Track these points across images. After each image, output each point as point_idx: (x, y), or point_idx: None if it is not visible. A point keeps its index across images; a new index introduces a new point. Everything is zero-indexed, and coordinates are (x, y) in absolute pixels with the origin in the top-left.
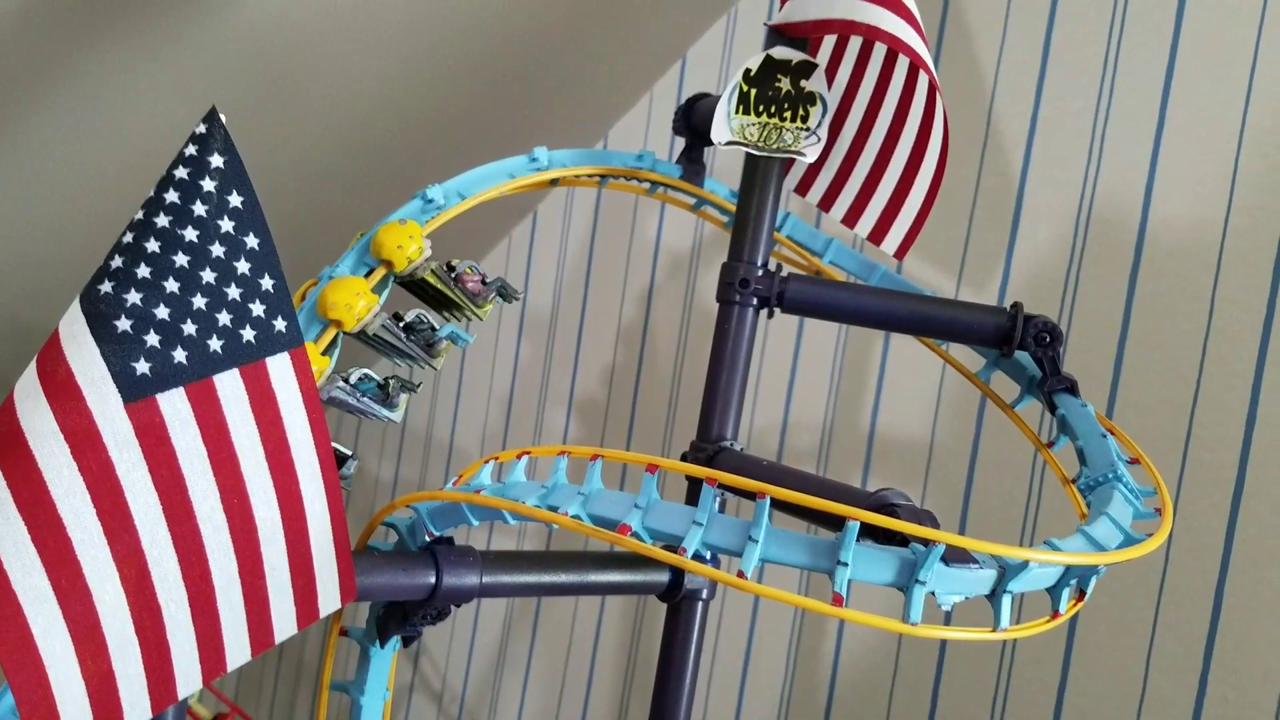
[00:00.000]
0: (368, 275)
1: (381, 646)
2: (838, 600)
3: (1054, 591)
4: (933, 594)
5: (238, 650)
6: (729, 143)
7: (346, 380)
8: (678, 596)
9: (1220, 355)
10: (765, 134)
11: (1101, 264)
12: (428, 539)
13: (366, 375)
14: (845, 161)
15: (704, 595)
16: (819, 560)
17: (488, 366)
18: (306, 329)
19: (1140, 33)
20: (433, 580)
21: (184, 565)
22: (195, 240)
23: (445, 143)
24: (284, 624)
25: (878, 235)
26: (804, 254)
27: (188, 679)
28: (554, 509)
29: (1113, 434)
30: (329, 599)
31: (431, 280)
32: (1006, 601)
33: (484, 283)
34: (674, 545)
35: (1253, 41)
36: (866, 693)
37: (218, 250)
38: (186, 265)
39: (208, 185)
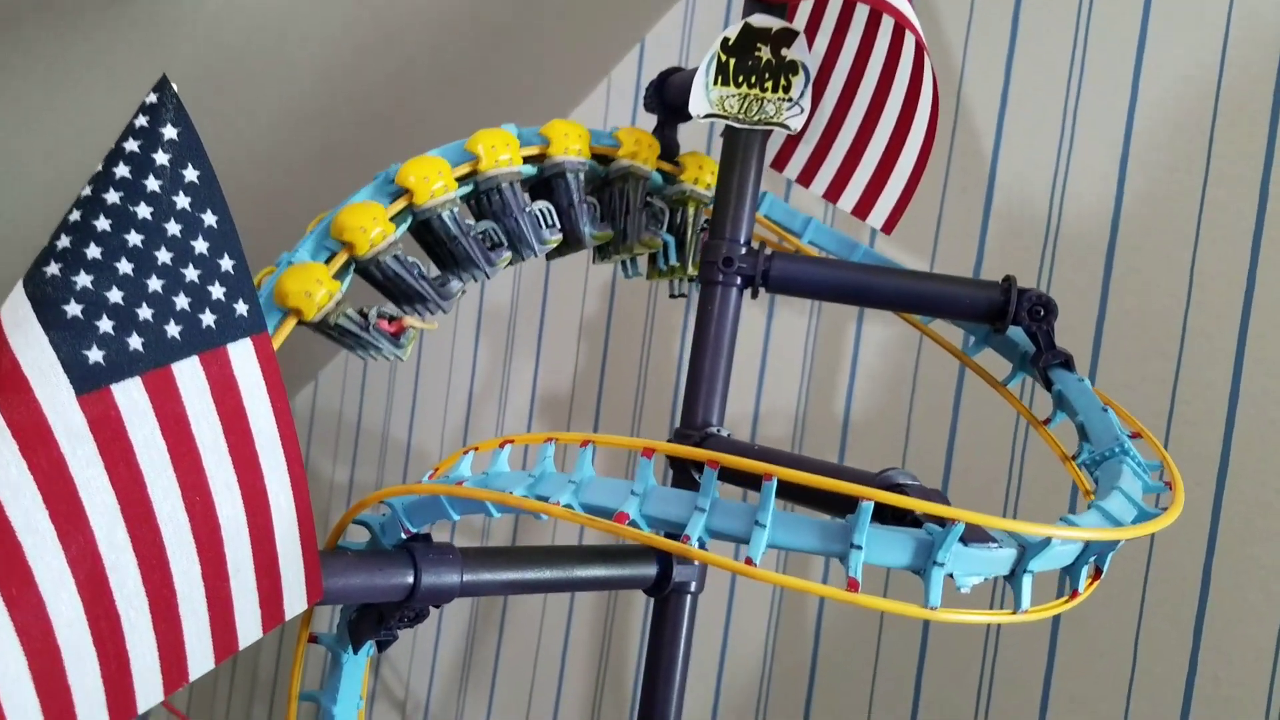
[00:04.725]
0: (328, 261)
1: (355, 652)
2: (853, 585)
3: (1072, 570)
4: (951, 576)
5: (201, 658)
6: (708, 115)
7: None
8: (665, 590)
9: (1201, 329)
10: (746, 105)
11: (1077, 241)
12: (404, 536)
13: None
14: (826, 134)
15: (692, 588)
16: (831, 544)
17: (445, 363)
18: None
19: (1111, 1)
20: (410, 580)
21: (144, 569)
22: (149, 218)
23: (399, 132)
24: (249, 628)
25: (863, 209)
26: (783, 234)
27: (148, 691)
28: (544, 499)
29: (1110, 408)
30: (295, 600)
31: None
32: (1027, 581)
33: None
34: (674, 534)
35: (1225, 7)
36: (848, 680)
37: (173, 228)
38: (140, 245)
39: (161, 159)
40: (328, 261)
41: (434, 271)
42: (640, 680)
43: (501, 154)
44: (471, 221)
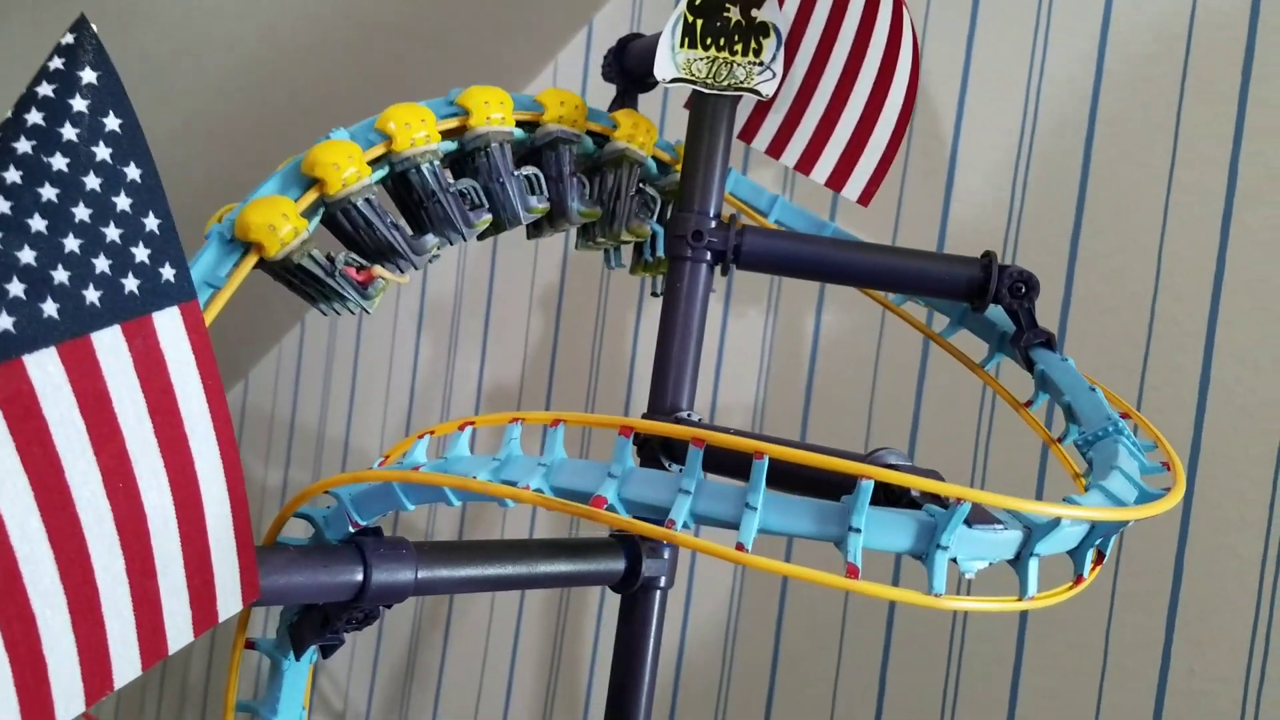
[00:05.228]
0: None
1: (296, 659)
2: (853, 572)
3: (1076, 554)
4: (954, 561)
5: (126, 664)
6: (674, 80)
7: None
8: (634, 586)
9: (1170, 315)
10: (714, 69)
11: (1042, 224)
12: (351, 530)
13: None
14: (797, 101)
15: (662, 584)
16: (827, 527)
17: (385, 359)
18: (225, 255)
19: None
20: (359, 577)
21: (61, 564)
22: (65, 170)
23: (339, 118)
24: (179, 630)
25: (837, 180)
26: (748, 211)
27: (69, 701)
28: (511, 484)
29: (1098, 388)
30: (229, 600)
31: None
32: (1033, 566)
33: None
34: (655, 519)
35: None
36: (811, 676)
37: (92, 182)
38: (55, 199)
39: (78, 105)
40: (297, 200)
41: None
42: (593, 682)
43: (494, 112)
44: (451, 179)
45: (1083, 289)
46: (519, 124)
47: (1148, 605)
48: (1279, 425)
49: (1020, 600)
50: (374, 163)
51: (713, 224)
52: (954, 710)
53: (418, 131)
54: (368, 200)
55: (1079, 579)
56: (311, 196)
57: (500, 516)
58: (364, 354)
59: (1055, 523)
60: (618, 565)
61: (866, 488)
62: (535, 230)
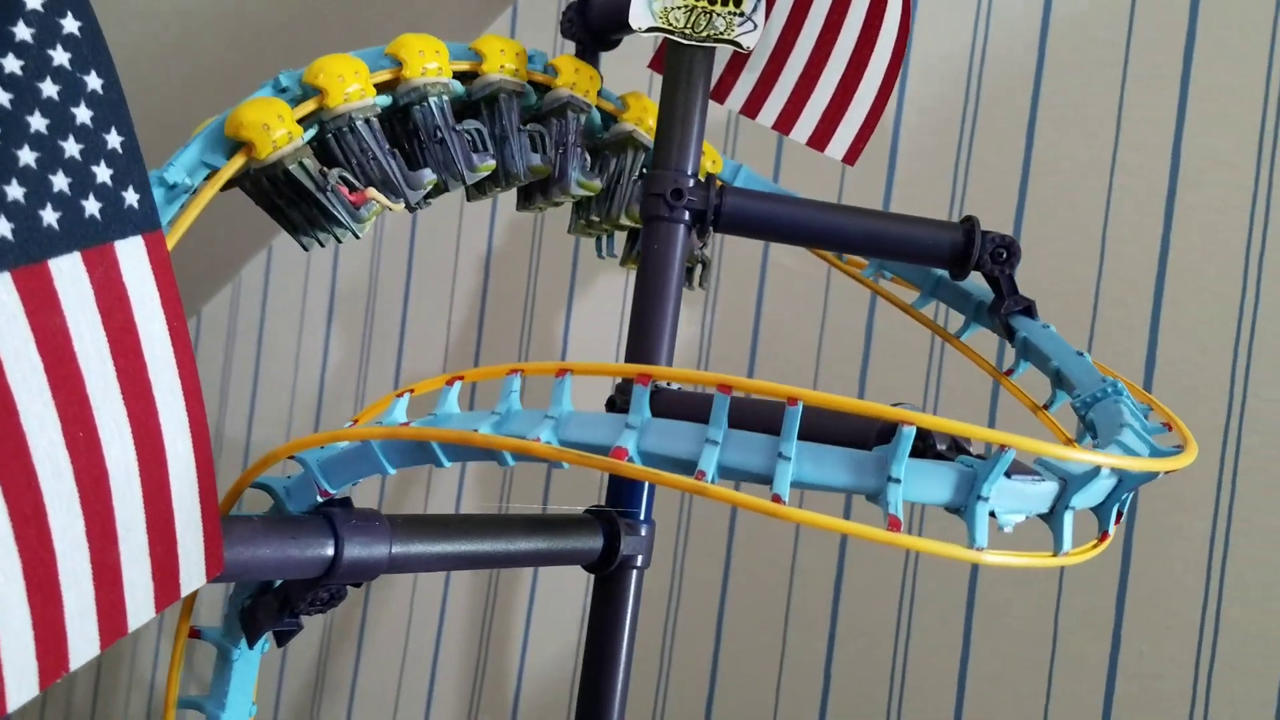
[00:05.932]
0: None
1: (250, 646)
2: (895, 524)
3: (1103, 509)
4: (993, 515)
5: (84, 641)
6: (650, 29)
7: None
8: (612, 565)
9: (1116, 297)
10: (693, 19)
11: (985, 210)
12: (319, 499)
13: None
14: (775, 56)
15: (639, 563)
16: (865, 479)
17: (291, 352)
18: (167, 201)
19: None
20: (331, 552)
21: (16, 523)
22: (19, 73)
23: (254, 88)
24: (139, 606)
25: (820, 140)
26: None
27: (22, 682)
28: (519, 438)
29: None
30: (193, 572)
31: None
32: (1068, 520)
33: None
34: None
35: None
36: (753, 671)
37: (49, 89)
38: (9, 105)
39: (32, 2)
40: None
41: None
42: (520, 691)
43: (509, 62)
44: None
45: (1027, 273)
46: (529, 84)
47: (1096, 587)
48: (1225, 405)
49: (1056, 555)
50: (380, 86)
51: (692, 183)
52: (901, 701)
53: (430, 62)
54: (368, 121)
55: (1104, 535)
56: (310, 106)
57: (423, 495)
58: (267, 348)
59: (1094, 473)
60: (595, 544)
61: (908, 434)
62: (526, 201)
